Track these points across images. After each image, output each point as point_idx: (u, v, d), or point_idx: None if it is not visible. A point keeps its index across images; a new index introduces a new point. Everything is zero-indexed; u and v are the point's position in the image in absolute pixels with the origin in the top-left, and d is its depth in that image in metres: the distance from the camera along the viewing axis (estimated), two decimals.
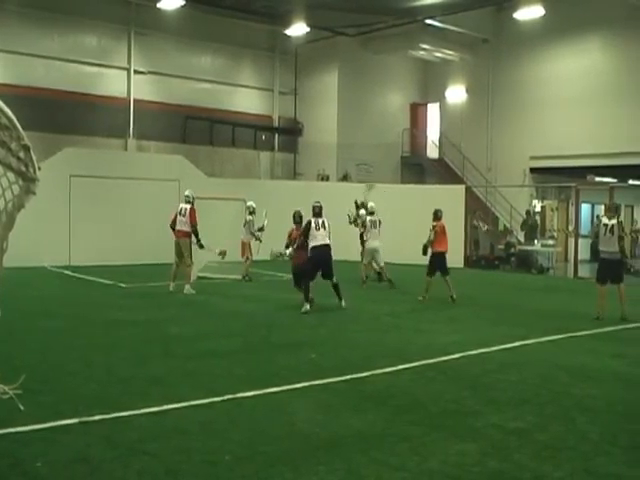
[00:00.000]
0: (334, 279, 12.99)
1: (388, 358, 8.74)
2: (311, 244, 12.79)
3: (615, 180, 27.81)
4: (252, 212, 18.14)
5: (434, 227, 14.86)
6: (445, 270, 14.84)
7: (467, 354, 9.19)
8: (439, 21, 25.73)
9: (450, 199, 22.78)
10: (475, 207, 25.40)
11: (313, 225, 12.86)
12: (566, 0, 24.59)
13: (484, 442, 5.72)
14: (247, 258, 17.86)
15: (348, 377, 7.54)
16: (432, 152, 30.79)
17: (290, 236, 13.88)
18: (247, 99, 28.59)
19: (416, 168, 30.38)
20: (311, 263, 12.87)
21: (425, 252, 15.01)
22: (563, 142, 25.49)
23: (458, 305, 14.16)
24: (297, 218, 13.91)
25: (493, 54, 27.97)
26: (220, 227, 16.94)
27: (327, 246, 12.88)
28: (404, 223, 21.51)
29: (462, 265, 23.05)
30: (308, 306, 12.47)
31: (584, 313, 13.11)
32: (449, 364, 8.68)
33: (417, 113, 31.19)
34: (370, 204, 17.77)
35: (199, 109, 26.65)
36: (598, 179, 28.10)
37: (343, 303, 12.94)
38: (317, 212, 13.04)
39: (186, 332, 10.52)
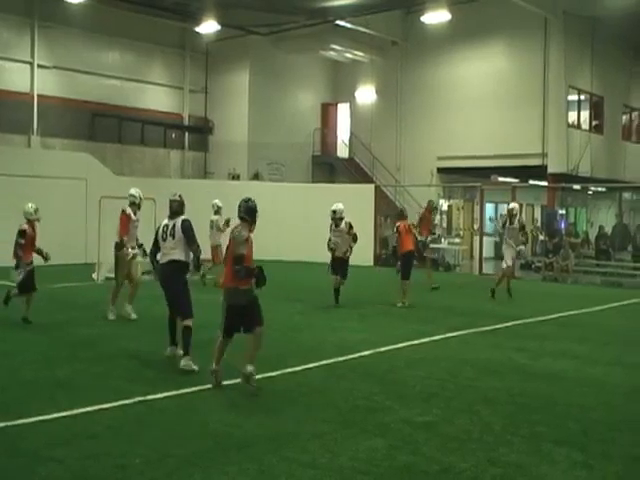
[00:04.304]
0: (187, 321, 8.33)
1: (300, 357, 8.82)
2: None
3: (517, 180, 28.79)
4: (217, 211, 16.74)
5: (397, 228, 14.65)
6: (407, 274, 14.31)
7: (377, 351, 9.37)
8: (349, 22, 26.02)
9: (360, 198, 23.11)
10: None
11: (160, 231, 8.60)
12: (471, 6, 25.29)
13: (393, 437, 5.87)
14: (212, 262, 16.37)
15: (260, 377, 7.57)
16: (342, 152, 31.12)
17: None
18: (157, 97, 28.15)
19: (327, 167, 30.66)
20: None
21: (394, 254, 15.04)
22: (469, 143, 26.25)
23: (369, 303, 14.37)
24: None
25: (402, 56, 28.50)
26: None
27: (172, 264, 8.46)
28: (315, 222, 21.65)
29: (372, 263, 23.37)
30: (192, 365, 8.07)
31: (488, 309, 13.57)
32: (359, 361, 8.84)
33: (328, 113, 31.46)
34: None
35: (107, 106, 26.03)
36: (501, 179, 29.05)
37: (182, 362, 8.11)
38: (174, 210, 8.63)
39: (93, 334, 10.30)
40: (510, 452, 5.56)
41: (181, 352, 8.29)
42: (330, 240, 13.77)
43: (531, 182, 29.85)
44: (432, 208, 18.40)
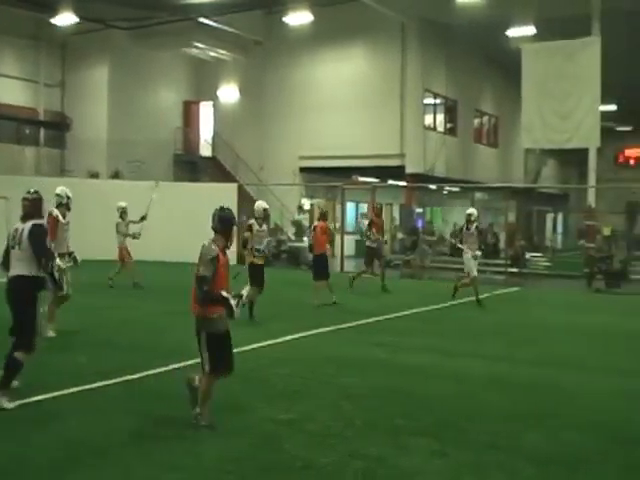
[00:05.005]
0: (21, 353, 6.63)
1: (162, 358, 8.68)
2: None
3: (377, 180, 29.62)
4: (122, 214, 16.21)
5: (314, 227, 14.46)
6: (319, 274, 14.05)
7: (241, 350, 9.36)
8: (212, 20, 25.85)
9: (222, 197, 22.94)
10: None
11: (10, 237, 6.98)
12: (333, 9, 25.76)
13: (257, 435, 5.91)
14: (124, 262, 16.14)
15: (121, 379, 7.40)
16: (206, 150, 30.87)
17: None
18: (9, 90, 26.83)
19: (189, 166, 30.33)
20: None
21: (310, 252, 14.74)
22: (330, 143, 26.73)
23: None
24: None
25: (265, 56, 28.63)
26: None
27: (17, 280, 6.82)
28: (177, 221, 21.39)
29: (235, 262, 23.30)
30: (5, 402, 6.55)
31: (349, 306, 13.88)
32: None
33: (190, 111, 31.12)
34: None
35: None
36: (362, 179, 29.78)
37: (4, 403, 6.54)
38: (25, 211, 7.01)
39: None
40: (371, 445, 5.73)
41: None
42: (267, 244, 13.10)
43: (390, 182, 30.79)
44: (379, 212, 18.34)
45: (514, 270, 22.60)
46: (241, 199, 24.94)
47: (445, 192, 33.05)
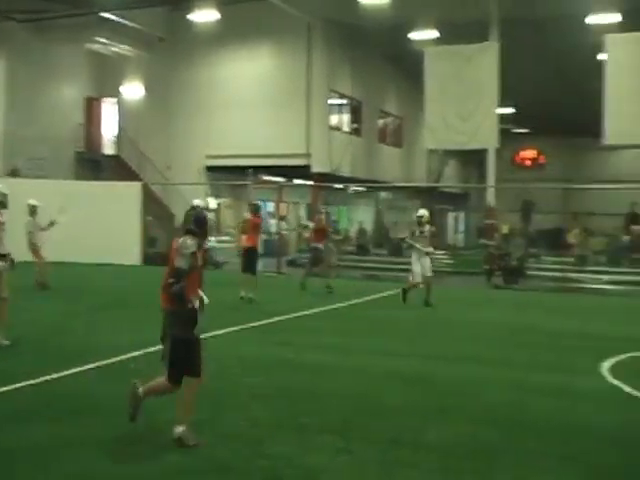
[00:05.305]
0: None
1: (65, 360, 8.47)
2: None
3: (284, 179, 29.73)
4: (32, 213, 15.67)
5: (244, 221, 14.69)
6: (248, 268, 14.41)
7: (147, 351, 9.24)
8: (115, 15, 25.32)
9: (127, 196, 22.62)
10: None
11: None
12: (240, 7, 25.68)
13: (165, 438, 5.84)
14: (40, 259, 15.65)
15: (21, 385, 7.20)
16: (109, 149, 30.15)
17: None
18: None
19: (92, 164, 29.48)
20: None
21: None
22: (237, 142, 26.68)
23: (139, 304, 14.09)
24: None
25: (170, 53, 28.26)
26: None
27: None
28: (78, 221, 20.83)
29: (139, 262, 22.94)
30: None
31: (254, 306, 13.91)
32: (127, 363, 8.67)
33: (92, 108, 30.26)
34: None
35: None
36: (269, 178, 29.80)
37: None
38: None
39: None
40: (277, 445, 5.78)
41: None
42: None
43: (297, 181, 30.96)
44: (324, 215, 18.47)
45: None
46: (147, 199, 24.58)
47: (351, 191, 33.49)
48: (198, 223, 5.96)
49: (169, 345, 5.73)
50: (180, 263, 5.68)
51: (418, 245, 14.59)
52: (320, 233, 17.18)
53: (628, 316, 14.78)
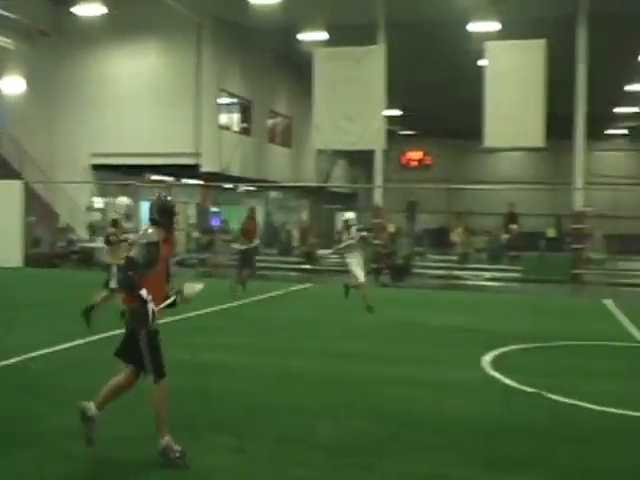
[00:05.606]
0: None
1: None
2: None
3: (173, 179, 29.36)
4: None
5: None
6: None
7: (30, 355, 8.98)
8: None
9: (6, 196, 21.79)
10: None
11: None
12: (129, 3, 25.11)
13: (49, 445, 5.74)
14: None
15: None
16: None
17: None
18: None
19: None
20: None
21: None
22: (124, 140, 26.12)
23: (26, 307, 13.63)
24: None
25: (55, 47, 27.30)
26: None
27: None
28: None
29: (22, 264, 22.13)
30: None
31: None
32: (12, 369, 8.41)
33: None
34: None
35: None
36: (157, 177, 29.37)
37: None
38: None
39: None
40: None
41: None
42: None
43: (186, 181, 30.65)
44: (253, 215, 17.83)
45: (307, 267, 23.39)
46: (29, 198, 23.71)
47: (240, 191, 33.43)
48: (162, 212, 5.57)
49: (141, 342, 5.50)
50: (134, 253, 5.38)
51: (345, 244, 14.37)
52: (250, 233, 16.91)
53: (508, 311, 15.53)
